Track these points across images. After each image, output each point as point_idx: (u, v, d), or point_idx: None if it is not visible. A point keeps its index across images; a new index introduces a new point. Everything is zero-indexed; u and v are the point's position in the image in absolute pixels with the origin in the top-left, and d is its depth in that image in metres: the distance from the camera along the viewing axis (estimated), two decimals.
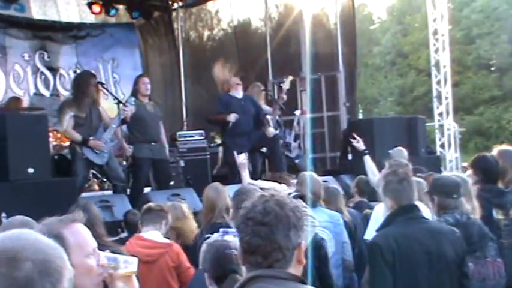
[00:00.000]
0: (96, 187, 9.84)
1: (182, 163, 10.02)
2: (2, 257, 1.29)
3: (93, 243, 2.38)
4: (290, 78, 10.34)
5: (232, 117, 9.27)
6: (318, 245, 4.48)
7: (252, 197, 2.22)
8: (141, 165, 8.61)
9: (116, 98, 8.86)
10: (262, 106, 9.98)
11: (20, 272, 1.27)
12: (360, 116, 13.01)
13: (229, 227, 4.12)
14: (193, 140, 10.35)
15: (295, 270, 2.11)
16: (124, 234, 6.51)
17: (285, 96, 10.15)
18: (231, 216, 4.22)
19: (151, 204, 5.42)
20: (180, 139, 10.30)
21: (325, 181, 7.27)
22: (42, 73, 11.86)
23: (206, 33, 14.81)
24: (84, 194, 8.09)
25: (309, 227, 3.01)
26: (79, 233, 2.36)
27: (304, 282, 2.09)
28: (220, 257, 3.24)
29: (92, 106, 8.23)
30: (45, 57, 11.94)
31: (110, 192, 8.91)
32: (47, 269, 1.30)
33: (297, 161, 10.80)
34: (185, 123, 13.36)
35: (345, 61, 12.11)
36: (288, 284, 2.05)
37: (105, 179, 9.54)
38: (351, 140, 7.47)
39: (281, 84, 10.30)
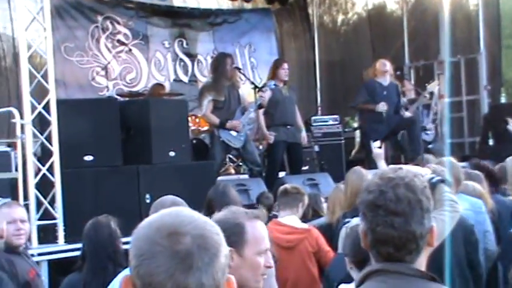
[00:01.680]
0: (232, 171, 10.03)
1: (316, 148, 10.04)
2: (163, 232, 1.33)
3: (267, 244, 2.45)
4: (437, 82, 10.29)
5: (381, 107, 9.18)
6: (468, 231, 4.35)
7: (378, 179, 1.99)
8: (277, 148, 8.71)
9: (252, 83, 8.99)
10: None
11: (180, 245, 1.32)
12: (503, 100, 12.42)
13: None
14: (328, 125, 10.35)
15: (425, 254, 1.99)
16: None
17: (427, 95, 10.13)
18: None
19: (287, 186, 5.40)
20: (314, 124, 10.33)
21: (464, 167, 7.02)
22: (181, 60, 12.22)
23: (340, 17, 14.68)
24: (220, 178, 8.27)
25: (452, 212, 2.89)
26: (258, 230, 2.45)
27: (433, 279, 1.92)
28: (360, 241, 3.21)
29: (230, 89, 8.39)
30: (184, 45, 12.28)
31: (246, 176, 9.07)
32: (205, 244, 1.34)
33: (430, 146, 10.51)
34: (319, 108, 13.34)
35: (486, 43, 11.64)
36: (413, 281, 1.91)
37: (241, 163, 9.72)
38: (508, 123, 6.98)
39: (426, 84, 10.22)
